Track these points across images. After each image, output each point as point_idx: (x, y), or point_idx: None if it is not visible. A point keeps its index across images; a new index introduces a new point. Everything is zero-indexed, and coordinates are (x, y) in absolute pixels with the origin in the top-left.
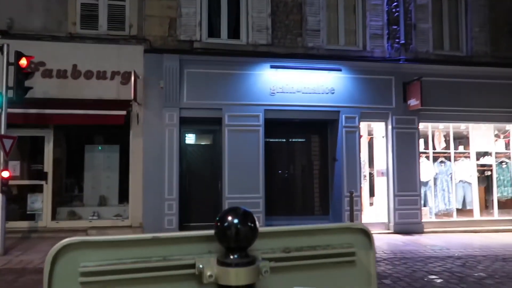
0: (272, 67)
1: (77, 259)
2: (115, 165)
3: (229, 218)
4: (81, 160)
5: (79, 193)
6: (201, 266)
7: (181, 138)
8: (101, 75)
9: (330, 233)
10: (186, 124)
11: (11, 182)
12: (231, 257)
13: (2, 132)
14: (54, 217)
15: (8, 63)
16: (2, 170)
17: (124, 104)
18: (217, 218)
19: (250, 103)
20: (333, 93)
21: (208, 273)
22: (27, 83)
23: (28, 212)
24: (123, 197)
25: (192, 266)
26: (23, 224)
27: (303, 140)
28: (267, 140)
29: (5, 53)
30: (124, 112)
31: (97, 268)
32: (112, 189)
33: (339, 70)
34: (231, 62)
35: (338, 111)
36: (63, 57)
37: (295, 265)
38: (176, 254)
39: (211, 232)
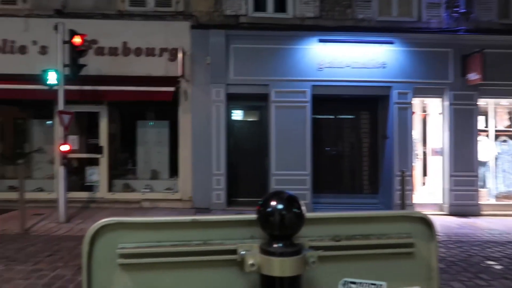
0: (320, 41)
1: (115, 240)
2: (165, 140)
3: (273, 203)
4: (134, 135)
5: (132, 166)
6: (243, 252)
7: (228, 114)
8: (150, 52)
9: (386, 221)
10: (233, 100)
11: (70, 156)
12: (275, 245)
13: (60, 108)
14: (110, 189)
15: (64, 41)
16: (62, 144)
17: (172, 81)
18: (260, 203)
19: (297, 79)
20: (384, 67)
21: (250, 262)
22: (81, 60)
23: (86, 184)
24: (173, 171)
25: (234, 252)
26: (83, 195)
27: (352, 116)
28: (315, 116)
29: (60, 31)
30: (172, 89)
31: (136, 250)
32: (163, 164)
33: (392, 43)
34: (278, 37)
35: (390, 87)
36: (114, 34)
37: (346, 255)
38: (217, 239)
39: (254, 216)
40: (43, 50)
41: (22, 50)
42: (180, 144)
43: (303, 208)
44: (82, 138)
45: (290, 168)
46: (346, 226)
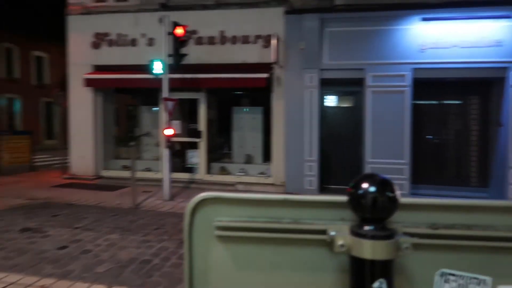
0: (423, 19)
1: (212, 214)
2: (259, 126)
3: (365, 185)
4: (230, 121)
5: (228, 151)
6: (333, 233)
7: (321, 100)
8: (245, 40)
9: (492, 212)
10: (327, 85)
11: (173, 139)
12: (366, 228)
13: (165, 95)
14: (208, 171)
15: (167, 33)
16: (166, 128)
17: (266, 67)
18: (351, 185)
19: (395, 62)
20: (499, 46)
21: (340, 242)
22: (183, 50)
23: (187, 166)
24: (267, 156)
25: (323, 232)
26: (184, 176)
27: (459, 102)
28: (415, 102)
29: (165, 24)
30: (265, 75)
31: (231, 223)
32: (257, 149)
33: (508, 17)
34: (376, 18)
35: (505, 68)
36: (212, 24)
37: (444, 244)
38: (307, 218)
39: (344, 198)
40: (151, 42)
41: (133, 42)
42: (273, 130)
43: (397, 192)
44: (184, 123)
45: (386, 157)
46: (445, 214)
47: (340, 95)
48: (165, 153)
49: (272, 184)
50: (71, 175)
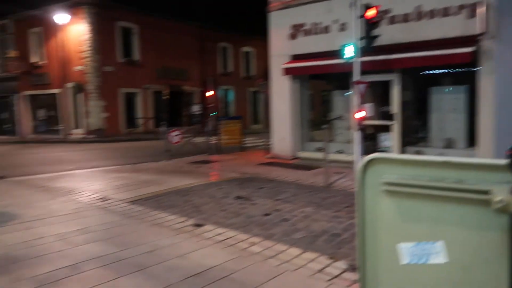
0: None
1: (380, 172)
2: (461, 107)
3: None
4: (427, 102)
5: (425, 134)
6: (493, 193)
7: None
8: (445, 12)
9: None
10: None
11: (365, 122)
12: None
13: (356, 79)
14: None
15: (358, 16)
16: (358, 111)
17: (471, 40)
18: (510, 147)
19: None
20: None
21: (498, 198)
22: (374, 32)
23: (379, 149)
24: (471, 140)
25: (484, 192)
26: None
27: None
28: None
29: (356, 7)
30: (470, 49)
31: (397, 180)
32: (459, 132)
33: None
34: None
35: None
36: (406, 1)
37: None
38: (468, 179)
39: (505, 162)
40: (343, 27)
41: (326, 29)
42: (480, 110)
43: None
44: (375, 106)
45: None
46: None
47: None
48: (356, 136)
49: None
50: (273, 155)
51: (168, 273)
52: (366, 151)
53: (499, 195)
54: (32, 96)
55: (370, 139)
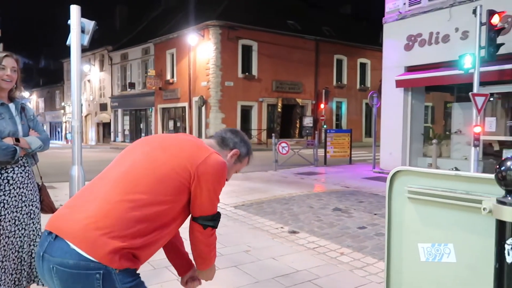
0: None
1: (405, 182)
2: None
3: (508, 163)
4: None
5: None
6: (482, 202)
7: None
8: None
9: None
10: None
11: (487, 138)
12: (509, 198)
13: (475, 90)
14: None
15: (481, 23)
16: (475, 126)
17: None
18: (497, 164)
19: None
20: None
21: (483, 206)
22: (498, 39)
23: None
24: None
25: (479, 202)
26: None
27: None
28: None
29: (478, 14)
30: None
31: (417, 189)
32: None
33: None
34: None
35: None
36: None
37: None
38: (474, 191)
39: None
40: (464, 35)
41: (444, 39)
42: None
43: None
44: (503, 119)
45: None
46: None
47: None
48: (472, 152)
49: None
50: (380, 170)
51: (260, 271)
52: (485, 169)
53: (485, 204)
54: (164, 109)
55: (495, 156)
